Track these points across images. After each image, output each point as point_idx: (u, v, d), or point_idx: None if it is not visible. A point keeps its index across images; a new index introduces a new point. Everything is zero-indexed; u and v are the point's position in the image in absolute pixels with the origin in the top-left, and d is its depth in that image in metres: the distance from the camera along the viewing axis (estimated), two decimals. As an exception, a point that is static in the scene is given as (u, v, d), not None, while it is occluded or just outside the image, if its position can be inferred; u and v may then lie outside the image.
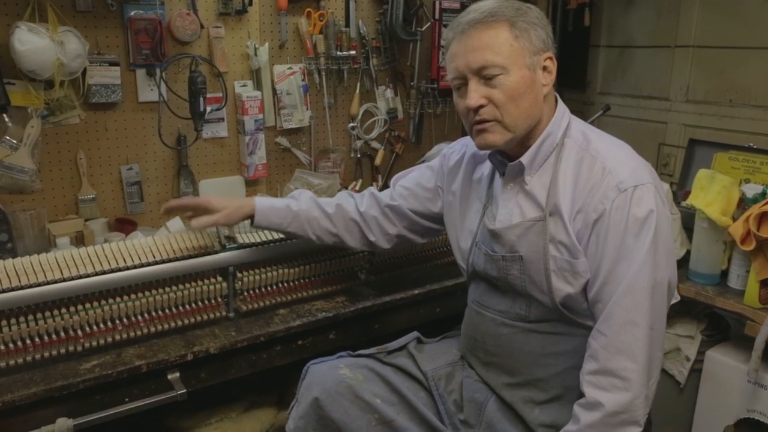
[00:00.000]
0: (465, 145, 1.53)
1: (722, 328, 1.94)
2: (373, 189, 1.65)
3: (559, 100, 1.34)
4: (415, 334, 1.56)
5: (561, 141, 1.29)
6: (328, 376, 1.39)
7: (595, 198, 1.21)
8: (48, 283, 1.37)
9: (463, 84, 1.26)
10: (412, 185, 1.59)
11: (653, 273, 1.18)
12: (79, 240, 1.92)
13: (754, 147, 2.06)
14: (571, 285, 1.25)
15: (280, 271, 1.66)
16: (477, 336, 1.43)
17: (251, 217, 1.55)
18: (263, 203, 1.56)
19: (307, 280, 1.72)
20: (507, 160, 1.34)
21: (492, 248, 1.36)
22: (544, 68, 1.27)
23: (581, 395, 1.23)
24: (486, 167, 1.44)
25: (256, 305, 1.64)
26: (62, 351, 1.40)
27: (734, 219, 1.73)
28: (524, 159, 1.29)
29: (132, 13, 1.96)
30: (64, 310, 1.40)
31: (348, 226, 1.59)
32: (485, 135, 1.26)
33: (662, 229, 1.20)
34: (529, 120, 1.27)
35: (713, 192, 1.77)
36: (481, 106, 1.23)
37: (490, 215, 1.38)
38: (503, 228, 1.32)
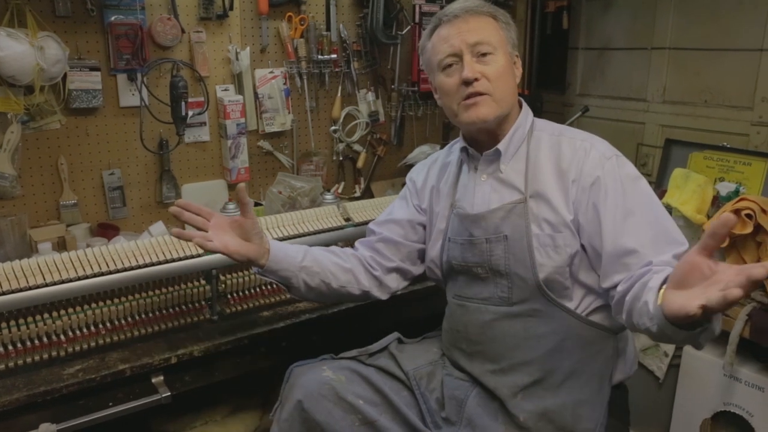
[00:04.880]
0: (426, 165, 1.59)
1: (699, 324, 1.98)
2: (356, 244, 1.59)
3: (522, 101, 1.45)
4: (395, 335, 1.57)
5: (529, 134, 1.40)
6: (311, 378, 1.40)
7: (587, 166, 1.32)
8: (30, 288, 1.37)
9: (456, 62, 1.35)
10: (390, 218, 1.57)
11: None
12: (61, 245, 1.91)
13: (728, 146, 2.10)
14: (552, 259, 1.31)
15: (264, 273, 1.67)
16: (459, 327, 1.45)
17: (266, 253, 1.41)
18: (274, 243, 1.44)
19: (290, 282, 1.73)
20: (478, 152, 1.41)
21: (471, 234, 1.40)
22: (514, 63, 1.40)
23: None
24: (451, 173, 1.49)
25: (239, 308, 1.65)
26: (45, 356, 1.40)
27: (709, 216, 1.77)
28: (501, 145, 1.38)
29: (112, 18, 1.96)
30: (46, 315, 1.40)
31: (353, 262, 1.52)
32: (477, 108, 1.33)
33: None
34: (512, 99, 1.38)
35: (688, 190, 1.81)
36: (476, 79, 1.32)
37: (467, 205, 1.42)
38: (486, 211, 1.38)
